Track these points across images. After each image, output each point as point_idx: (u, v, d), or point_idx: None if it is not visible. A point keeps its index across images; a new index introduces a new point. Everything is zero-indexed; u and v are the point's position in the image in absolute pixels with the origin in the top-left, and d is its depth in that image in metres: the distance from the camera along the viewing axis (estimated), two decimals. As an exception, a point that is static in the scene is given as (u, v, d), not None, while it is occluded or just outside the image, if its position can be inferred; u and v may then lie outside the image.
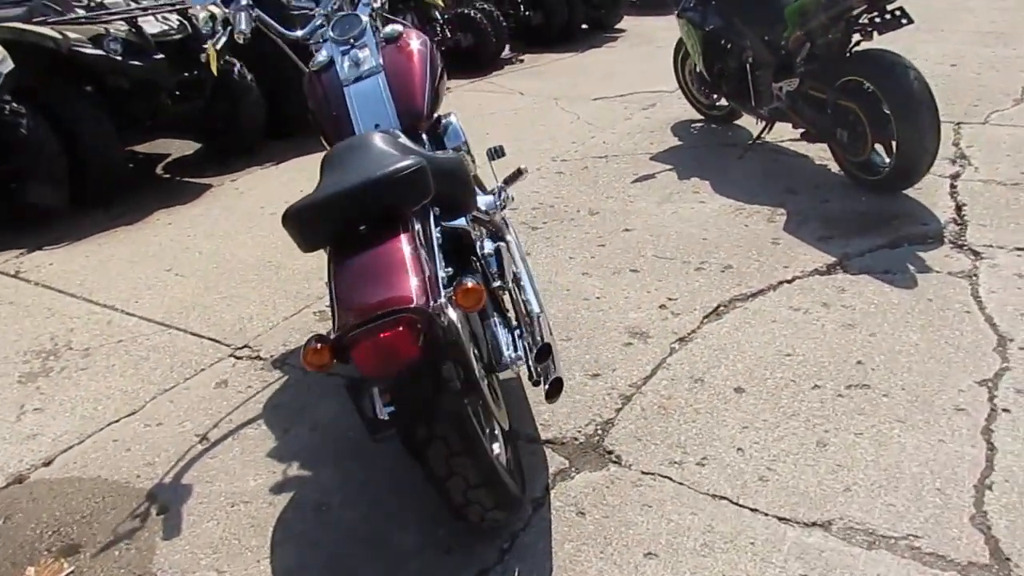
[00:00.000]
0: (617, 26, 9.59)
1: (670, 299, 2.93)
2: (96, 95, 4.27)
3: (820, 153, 4.20)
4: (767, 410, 2.27)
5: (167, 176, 5.22)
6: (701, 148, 4.69)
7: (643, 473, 2.07)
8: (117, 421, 2.48)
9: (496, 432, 1.88)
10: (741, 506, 1.92)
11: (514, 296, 2.27)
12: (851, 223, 3.42)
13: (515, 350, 1.88)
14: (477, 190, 2.70)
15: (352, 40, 2.51)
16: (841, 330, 2.63)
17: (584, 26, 9.63)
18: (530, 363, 1.89)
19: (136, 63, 4.20)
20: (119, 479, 2.21)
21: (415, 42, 2.58)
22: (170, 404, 2.55)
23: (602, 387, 2.44)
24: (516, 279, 2.34)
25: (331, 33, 2.53)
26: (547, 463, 2.14)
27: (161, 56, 4.31)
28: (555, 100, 6.23)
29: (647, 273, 3.16)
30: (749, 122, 4.64)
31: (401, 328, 1.41)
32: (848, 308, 2.76)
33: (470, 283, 1.55)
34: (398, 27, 2.60)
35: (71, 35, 4.08)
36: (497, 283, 2.19)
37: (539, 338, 2.08)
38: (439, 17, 7.13)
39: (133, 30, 4.30)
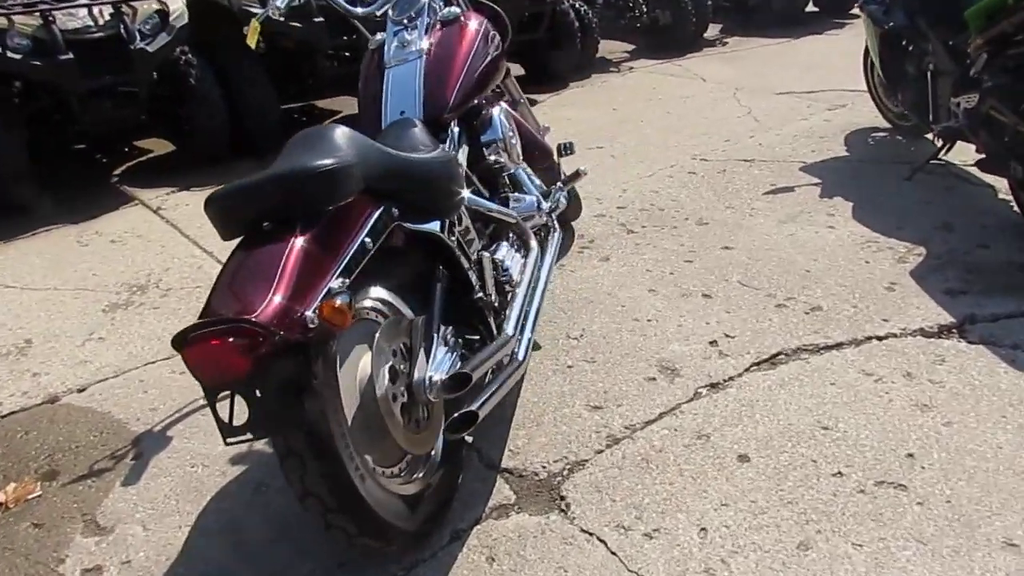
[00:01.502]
0: (853, 11, 8.61)
1: (727, 335, 2.59)
2: (261, 56, 4.57)
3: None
4: (762, 490, 1.92)
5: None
6: (867, 163, 4.07)
7: (581, 530, 1.85)
8: (153, 363, 2.68)
9: (401, 455, 1.77)
10: (664, 598, 1.65)
11: (499, 312, 2.12)
12: (998, 278, 2.79)
13: (431, 375, 1.73)
14: (521, 192, 2.54)
15: (406, 21, 2.44)
16: (909, 410, 2.16)
17: (814, 9, 8.78)
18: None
19: (297, 24, 4.44)
20: (122, 418, 2.39)
21: (468, 28, 2.46)
22: (204, 355, 2.70)
23: (595, 423, 2.21)
24: (505, 294, 2.17)
25: (391, 12, 2.48)
26: (492, 494, 1.99)
27: (321, 19, 4.52)
28: (735, 90, 5.74)
29: (719, 301, 2.81)
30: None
31: (232, 339, 1.34)
32: (935, 384, 2.26)
33: (337, 301, 1.44)
34: (456, 9, 2.48)
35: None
36: (478, 294, 2.05)
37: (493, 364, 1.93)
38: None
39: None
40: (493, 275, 2.24)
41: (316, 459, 1.50)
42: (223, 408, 1.45)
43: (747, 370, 2.40)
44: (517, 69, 6.79)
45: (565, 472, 2.04)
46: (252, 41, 2.31)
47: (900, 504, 1.85)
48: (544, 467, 2.06)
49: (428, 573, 1.76)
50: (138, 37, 4.00)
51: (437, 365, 1.77)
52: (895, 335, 2.52)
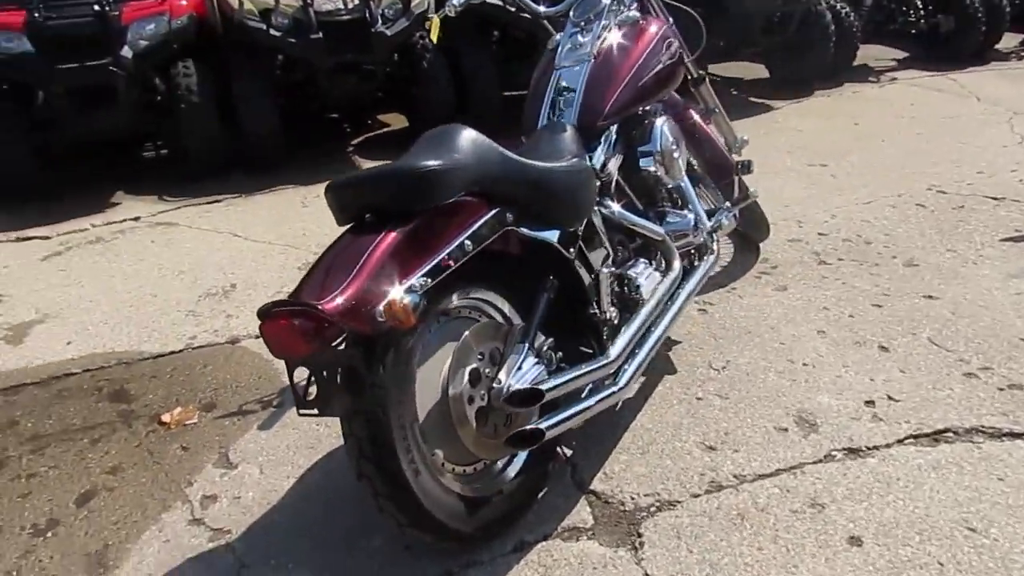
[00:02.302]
0: None
1: (890, 397, 2.28)
2: (489, 44, 4.76)
3: None
4: (863, 582, 1.68)
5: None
6: None
7: (645, 574, 1.75)
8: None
9: (477, 457, 1.78)
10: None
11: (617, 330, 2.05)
12: None
13: (510, 384, 1.72)
14: (681, 208, 2.43)
15: (583, 23, 2.42)
16: (1092, 533, 1.76)
17: None
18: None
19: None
20: (279, 368, 2.65)
21: (644, 33, 2.38)
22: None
23: (703, 464, 2.07)
24: (620, 315, 2.09)
25: (571, 13, 2.47)
26: (570, 514, 1.94)
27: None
28: (1012, 115, 4.95)
29: (896, 357, 2.47)
30: None
31: (298, 322, 1.43)
32: None
33: (404, 300, 1.48)
34: (634, 13, 2.40)
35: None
36: (592, 310, 2.01)
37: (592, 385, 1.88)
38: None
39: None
40: (618, 292, 2.17)
41: (371, 445, 1.57)
42: (303, 382, 1.57)
43: (900, 441, 2.10)
44: (759, 71, 6.42)
45: (652, 509, 1.93)
46: (435, 37, 2.41)
47: (1035, 643, 1.53)
48: (633, 498, 1.97)
49: (480, 577, 1.78)
50: (379, 21, 4.34)
51: (521, 375, 1.76)
52: (1110, 437, 2.06)
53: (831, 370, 2.43)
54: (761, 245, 3.28)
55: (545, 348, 1.88)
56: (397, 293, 1.49)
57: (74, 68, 3.97)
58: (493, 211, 1.77)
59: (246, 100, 4.47)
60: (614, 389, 1.91)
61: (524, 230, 1.85)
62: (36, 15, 3.92)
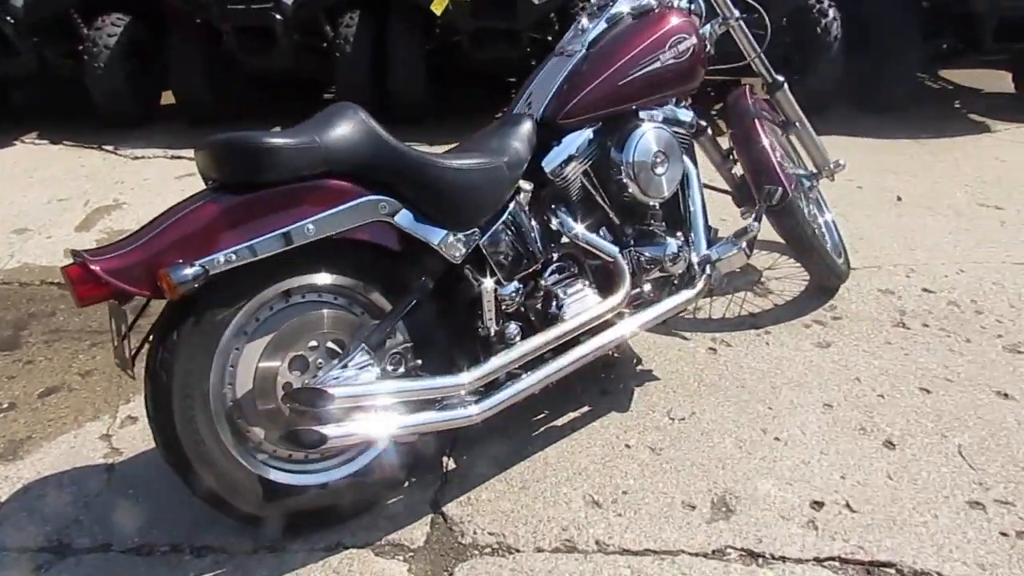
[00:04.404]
0: None
1: (848, 506, 1.84)
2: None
3: None
4: None
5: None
6: None
7: (421, 617, 1.60)
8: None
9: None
10: None
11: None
12: None
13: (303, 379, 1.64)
14: (670, 230, 2.15)
15: (598, 7, 2.19)
16: None
17: None
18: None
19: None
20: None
21: (650, 26, 2.11)
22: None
23: (575, 519, 1.83)
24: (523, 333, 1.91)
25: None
26: (402, 529, 1.82)
27: None
28: None
29: (897, 458, 1.99)
30: None
31: (81, 273, 1.46)
32: None
33: (164, 271, 1.45)
34: (650, 2, 2.12)
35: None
36: (476, 323, 1.86)
37: None
38: None
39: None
40: (539, 309, 1.97)
41: (152, 406, 1.59)
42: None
43: (818, 561, 1.70)
44: (1002, 81, 5.36)
45: (487, 550, 1.76)
46: (438, 8, 2.30)
47: None
48: (476, 533, 1.81)
49: (273, 563, 1.73)
50: None
51: (340, 374, 1.67)
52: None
53: (801, 454, 2.01)
54: (847, 288, 2.78)
55: (396, 351, 1.77)
56: (171, 265, 1.47)
57: (240, 9, 4.36)
58: (362, 199, 1.68)
59: (396, 57, 4.62)
60: (458, 415, 1.75)
61: (402, 224, 1.73)
62: None
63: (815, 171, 2.75)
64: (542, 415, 2.19)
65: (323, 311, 1.74)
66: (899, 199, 3.59)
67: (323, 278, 1.73)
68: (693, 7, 2.27)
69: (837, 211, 3.00)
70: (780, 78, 2.56)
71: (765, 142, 2.49)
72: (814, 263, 2.62)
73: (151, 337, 1.62)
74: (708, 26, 2.34)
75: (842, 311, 2.68)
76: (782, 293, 2.80)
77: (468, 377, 1.75)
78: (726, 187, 2.66)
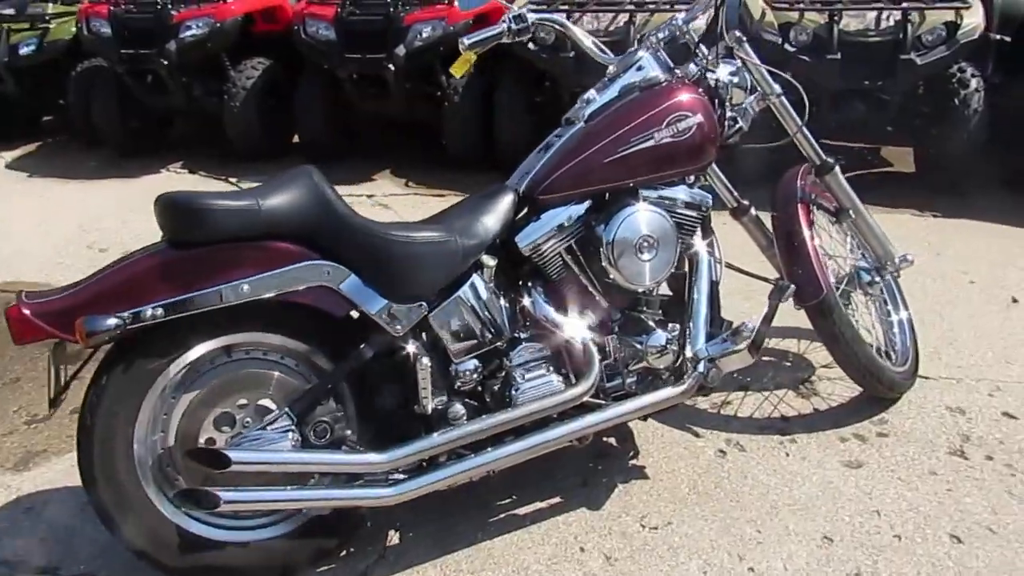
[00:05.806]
0: None
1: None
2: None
3: None
4: None
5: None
6: None
7: None
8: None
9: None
10: None
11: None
12: None
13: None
14: (664, 321, 2.00)
15: (608, 80, 2.10)
16: None
17: None
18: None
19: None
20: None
21: (651, 101, 1.99)
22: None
23: None
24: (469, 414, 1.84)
25: (611, 67, 2.15)
26: (319, 602, 1.78)
27: None
28: None
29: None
30: None
31: (15, 317, 1.55)
32: None
33: (79, 321, 1.51)
34: (656, 75, 2.01)
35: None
36: (414, 399, 1.81)
37: None
38: None
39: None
40: (496, 390, 1.89)
41: (77, 447, 1.66)
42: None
43: None
44: None
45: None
46: (458, 71, 2.28)
47: None
48: None
49: None
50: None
51: (259, 436, 1.67)
52: None
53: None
54: (909, 400, 2.44)
55: (323, 419, 1.75)
56: (90, 315, 1.54)
57: (357, 58, 4.61)
58: (305, 262, 1.70)
59: (502, 107, 4.68)
60: (370, 494, 1.70)
61: (345, 291, 1.72)
62: (342, 10, 4.63)
63: (878, 264, 2.45)
64: (508, 499, 2.07)
65: (262, 371, 1.76)
66: (1014, 300, 3.11)
67: (270, 338, 1.75)
68: (721, 81, 2.11)
69: (933, 308, 2.65)
70: (830, 160, 2.31)
71: (806, 231, 2.25)
72: (853, 369, 2.31)
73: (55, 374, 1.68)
74: (747, 101, 2.18)
75: (892, 427, 2.34)
76: (829, 396, 2.50)
77: (381, 458, 1.69)
78: (762, 272, 2.42)
